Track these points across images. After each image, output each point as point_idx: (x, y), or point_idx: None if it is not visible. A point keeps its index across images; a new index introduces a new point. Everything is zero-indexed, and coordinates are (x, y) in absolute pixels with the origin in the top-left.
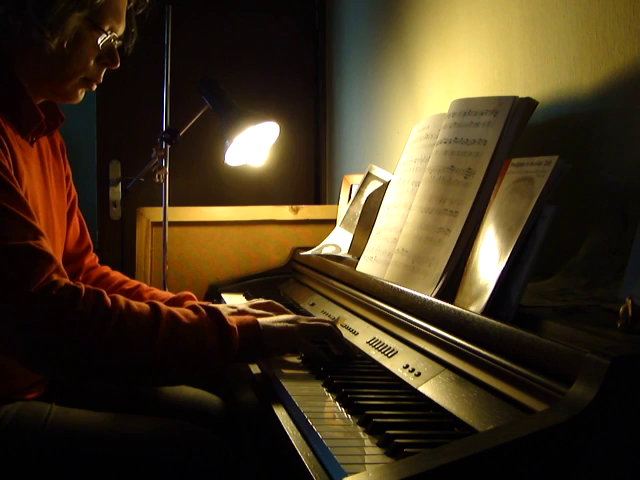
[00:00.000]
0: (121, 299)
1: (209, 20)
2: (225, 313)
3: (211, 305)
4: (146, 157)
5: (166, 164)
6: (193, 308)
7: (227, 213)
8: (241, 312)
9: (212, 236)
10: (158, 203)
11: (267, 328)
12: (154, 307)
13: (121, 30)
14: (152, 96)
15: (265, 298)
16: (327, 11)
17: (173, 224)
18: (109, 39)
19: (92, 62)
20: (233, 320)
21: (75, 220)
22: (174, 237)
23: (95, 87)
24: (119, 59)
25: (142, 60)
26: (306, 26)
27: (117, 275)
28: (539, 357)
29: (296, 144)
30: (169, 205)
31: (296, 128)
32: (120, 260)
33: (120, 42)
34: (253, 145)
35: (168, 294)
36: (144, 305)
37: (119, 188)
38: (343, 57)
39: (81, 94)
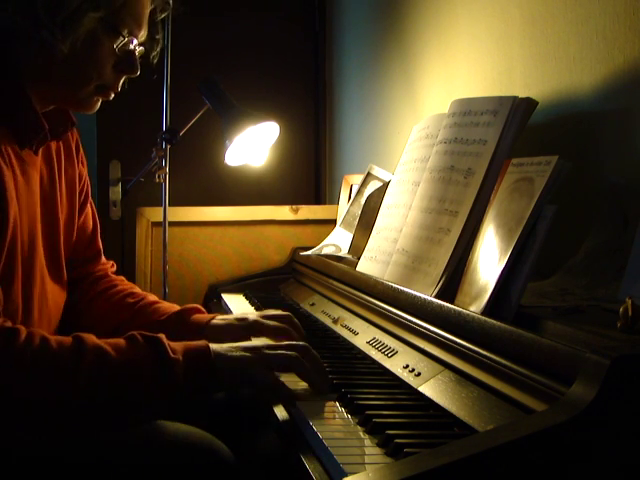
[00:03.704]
0: (37, 337)
1: (209, 20)
2: (167, 342)
3: (153, 335)
4: (146, 157)
5: (166, 164)
6: (130, 338)
7: (227, 213)
8: (251, 324)
9: (212, 236)
10: (158, 203)
11: (220, 357)
12: (77, 343)
13: (142, 36)
14: (152, 96)
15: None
16: (327, 11)
17: (173, 224)
18: (127, 43)
19: (109, 68)
20: (178, 350)
21: (88, 222)
22: (174, 237)
23: (112, 96)
24: (139, 67)
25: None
26: (306, 26)
27: (126, 287)
28: (539, 357)
29: (296, 144)
30: (169, 205)
31: (296, 128)
32: (120, 260)
33: (142, 49)
34: (253, 145)
35: (173, 306)
36: (66, 341)
37: (119, 188)
38: (343, 57)
39: (97, 103)
